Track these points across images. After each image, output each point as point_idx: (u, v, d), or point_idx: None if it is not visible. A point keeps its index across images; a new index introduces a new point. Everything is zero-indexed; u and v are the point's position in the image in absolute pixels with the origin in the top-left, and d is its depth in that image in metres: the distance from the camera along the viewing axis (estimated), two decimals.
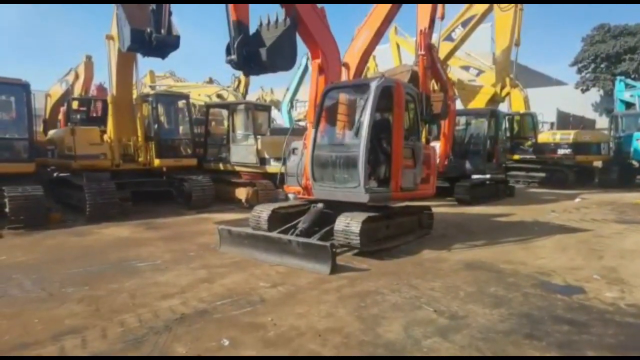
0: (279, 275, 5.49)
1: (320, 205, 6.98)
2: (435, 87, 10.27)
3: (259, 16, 6.70)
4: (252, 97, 20.43)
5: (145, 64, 25.83)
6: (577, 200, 12.62)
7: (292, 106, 21.44)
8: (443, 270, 5.74)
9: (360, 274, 5.53)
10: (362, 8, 10.04)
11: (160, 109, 11.81)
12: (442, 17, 10.86)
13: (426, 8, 9.63)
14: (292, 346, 3.58)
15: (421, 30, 9.74)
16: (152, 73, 17.77)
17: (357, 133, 6.35)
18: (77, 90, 13.99)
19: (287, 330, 3.87)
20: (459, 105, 14.98)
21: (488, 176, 13.31)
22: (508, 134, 16.62)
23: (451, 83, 11.54)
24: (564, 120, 26.41)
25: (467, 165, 12.33)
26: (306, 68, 19.14)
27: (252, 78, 17.31)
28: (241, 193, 11.28)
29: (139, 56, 9.51)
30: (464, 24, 14.47)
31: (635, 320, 4.12)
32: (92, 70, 14.02)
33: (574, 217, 9.83)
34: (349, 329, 3.90)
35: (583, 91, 32.18)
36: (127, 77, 10.49)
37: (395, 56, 19.48)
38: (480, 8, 14.36)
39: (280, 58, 6.36)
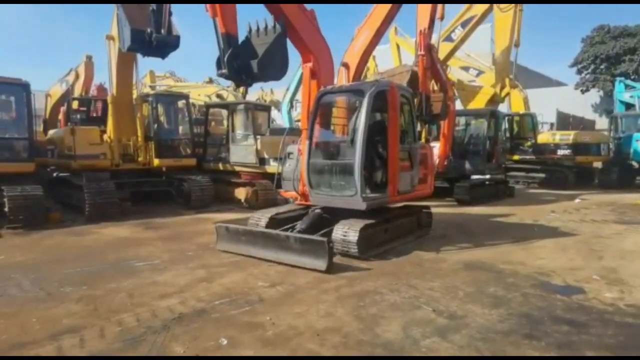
0: (277, 274, 5.48)
1: (318, 210, 6.98)
2: (435, 88, 10.26)
3: (247, 23, 6.64)
4: (252, 97, 20.43)
5: (145, 64, 25.89)
6: (576, 200, 12.62)
7: (292, 106, 21.42)
8: (442, 270, 5.73)
9: (359, 273, 5.53)
10: (362, 8, 10.02)
11: (160, 109, 11.83)
12: (442, 18, 10.85)
13: (426, 8, 9.63)
14: (291, 346, 3.57)
15: (421, 31, 9.74)
16: (152, 73, 17.78)
17: (352, 140, 6.30)
18: (77, 90, 13.98)
19: (285, 329, 3.87)
20: (458, 105, 15.00)
21: (488, 176, 13.30)
22: (508, 135, 16.63)
23: (451, 83, 11.53)
24: (564, 121, 26.39)
25: (467, 165, 12.33)
26: None
27: None
28: (240, 193, 11.28)
29: (139, 56, 9.53)
30: (463, 25, 14.46)
31: (635, 320, 4.12)
32: (92, 70, 14.02)
33: (573, 217, 9.82)
34: (347, 328, 3.89)
35: (583, 92, 32.21)
36: (127, 77, 10.50)
37: (395, 56, 19.47)
38: (480, 9, 14.36)
39: (271, 69, 6.33)
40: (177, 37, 7.32)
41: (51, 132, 12.91)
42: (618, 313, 4.28)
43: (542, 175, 16.48)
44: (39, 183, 9.31)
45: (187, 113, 12.44)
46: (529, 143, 16.74)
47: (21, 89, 9.43)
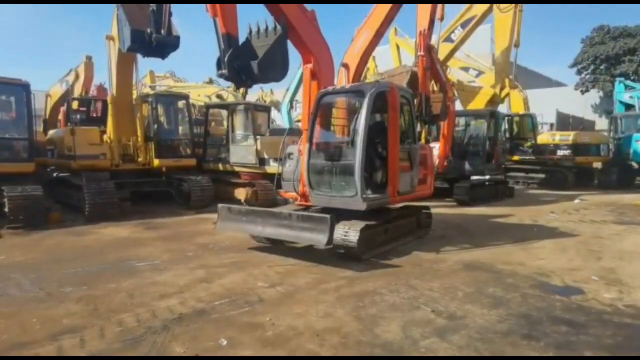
0: (277, 275, 5.49)
1: (318, 210, 6.98)
2: (435, 89, 10.27)
3: (248, 24, 6.62)
4: (252, 98, 20.43)
5: (145, 65, 25.85)
6: (576, 201, 12.62)
7: (292, 107, 21.43)
8: (442, 270, 5.74)
9: (359, 274, 5.53)
10: (363, 9, 10.02)
11: (160, 110, 11.84)
12: (442, 19, 10.87)
13: (426, 9, 9.64)
14: (290, 346, 3.58)
15: (421, 32, 9.75)
16: (152, 73, 17.79)
17: (352, 141, 6.31)
18: (78, 91, 13.99)
19: (285, 330, 3.88)
20: (458, 106, 15.00)
21: (487, 177, 13.31)
22: (508, 135, 16.62)
23: (451, 84, 11.54)
24: (564, 122, 26.38)
25: (467, 166, 12.33)
26: None
27: None
28: (241, 193, 11.29)
29: (139, 57, 9.55)
30: (463, 26, 14.47)
31: (634, 321, 4.12)
32: (92, 70, 14.02)
33: (573, 218, 9.83)
34: (347, 329, 3.90)
35: (583, 92, 32.21)
36: (127, 78, 10.52)
37: (395, 57, 19.49)
38: (480, 9, 14.37)
39: (272, 70, 6.32)
40: (178, 38, 7.33)
41: (51, 132, 12.92)
42: (617, 314, 4.29)
43: (542, 176, 16.48)
44: (39, 183, 9.32)
45: (188, 113, 12.45)
46: (529, 144, 16.75)
47: (21, 89, 9.44)
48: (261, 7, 6.60)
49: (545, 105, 24.61)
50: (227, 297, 4.70)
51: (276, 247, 6.88)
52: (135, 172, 11.01)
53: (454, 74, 17.02)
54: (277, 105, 21.25)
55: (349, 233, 6.03)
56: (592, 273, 5.62)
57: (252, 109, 12.30)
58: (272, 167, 11.01)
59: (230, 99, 15.47)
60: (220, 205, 6.90)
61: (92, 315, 4.22)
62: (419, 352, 3.51)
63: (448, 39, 14.50)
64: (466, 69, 17.55)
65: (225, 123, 14.25)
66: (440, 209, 10.40)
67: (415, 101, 8.54)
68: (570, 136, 16.17)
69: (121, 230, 8.50)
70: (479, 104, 15.97)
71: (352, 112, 7.00)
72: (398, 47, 19.46)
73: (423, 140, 11.82)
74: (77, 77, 14.06)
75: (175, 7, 7.18)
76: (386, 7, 7.95)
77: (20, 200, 8.52)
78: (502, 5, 14.60)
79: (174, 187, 11.51)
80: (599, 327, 3.97)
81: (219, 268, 5.82)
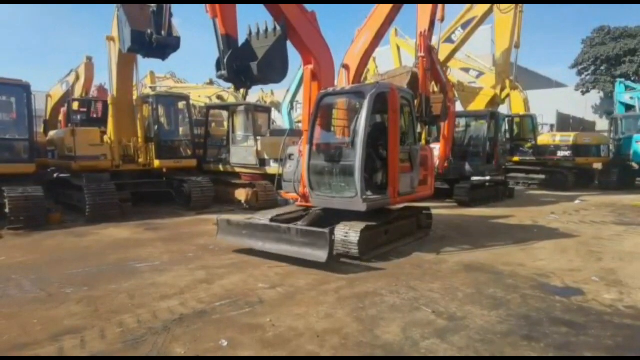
0: (277, 276, 5.49)
1: (318, 210, 6.99)
2: (435, 89, 10.27)
3: (247, 25, 6.64)
4: (252, 98, 20.40)
5: (145, 65, 25.82)
6: (576, 202, 12.63)
7: (292, 108, 21.43)
8: (442, 271, 5.74)
9: (359, 275, 5.54)
10: (363, 9, 10.03)
11: (161, 110, 11.84)
12: (442, 19, 10.85)
13: (426, 10, 9.63)
14: (291, 347, 3.58)
15: (421, 32, 9.74)
16: (152, 74, 17.80)
17: (352, 142, 6.32)
18: (78, 91, 13.99)
19: (285, 331, 3.88)
20: (458, 107, 15.00)
21: (488, 178, 13.30)
22: (508, 136, 16.63)
23: (451, 85, 11.54)
24: (564, 122, 26.40)
25: (467, 167, 12.34)
26: None
27: None
28: (241, 194, 11.29)
29: (139, 57, 9.55)
30: (464, 26, 14.46)
31: (634, 322, 4.13)
32: (92, 71, 14.02)
33: (573, 219, 9.84)
34: (347, 330, 3.90)
35: (583, 93, 32.23)
36: (127, 78, 10.53)
37: (396, 58, 19.49)
38: (480, 10, 14.37)
39: (271, 71, 6.33)
40: (178, 39, 7.35)
41: (52, 133, 12.91)
42: (617, 314, 4.29)
43: (542, 176, 16.50)
44: (40, 184, 9.34)
45: (188, 114, 12.45)
46: (529, 144, 16.76)
47: (22, 89, 9.46)
48: (261, 8, 6.61)
49: (545, 106, 24.63)
50: (227, 297, 4.71)
51: None
52: (136, 173, 11.02)
53: (454, 74, 17.02)
54: (277, 106, 21.26)
55: (349, 234, 6.03)
56: (592, 274, 5.62)
57: (252, 109, 12.30)
58: (273, 168, 11.01)
59: (231, 99, 15.46)
60: (218, 218, 6.89)
61: (92, 315, 4.23)
62: (419, 352, 3.51)
63: (448, 40, 14.50)
64: (466, 70, 17.55)
65: (225, 124, 14.25)
66: (440, 210, 10.41)
67: (416, 102, 8.53)
68: (570, 137, 16.18)
69: (121, 230, 8.51)
70: (479, 104, 15.97)
71: (352, 113, 7.02)
72: (398, 48, 19.46)
73: (423, 141, 11.83)
74: (78, 77, 14.07)
75: (175, 8, 7.21)
76: (386, 8, 7.96)
77: (21, 200, 8.53)
78: (502, 6, 14.60)
79: (174, 188, 11.51)
80: (599, 327, 3.97)
81: (219, 269, 5.82)
